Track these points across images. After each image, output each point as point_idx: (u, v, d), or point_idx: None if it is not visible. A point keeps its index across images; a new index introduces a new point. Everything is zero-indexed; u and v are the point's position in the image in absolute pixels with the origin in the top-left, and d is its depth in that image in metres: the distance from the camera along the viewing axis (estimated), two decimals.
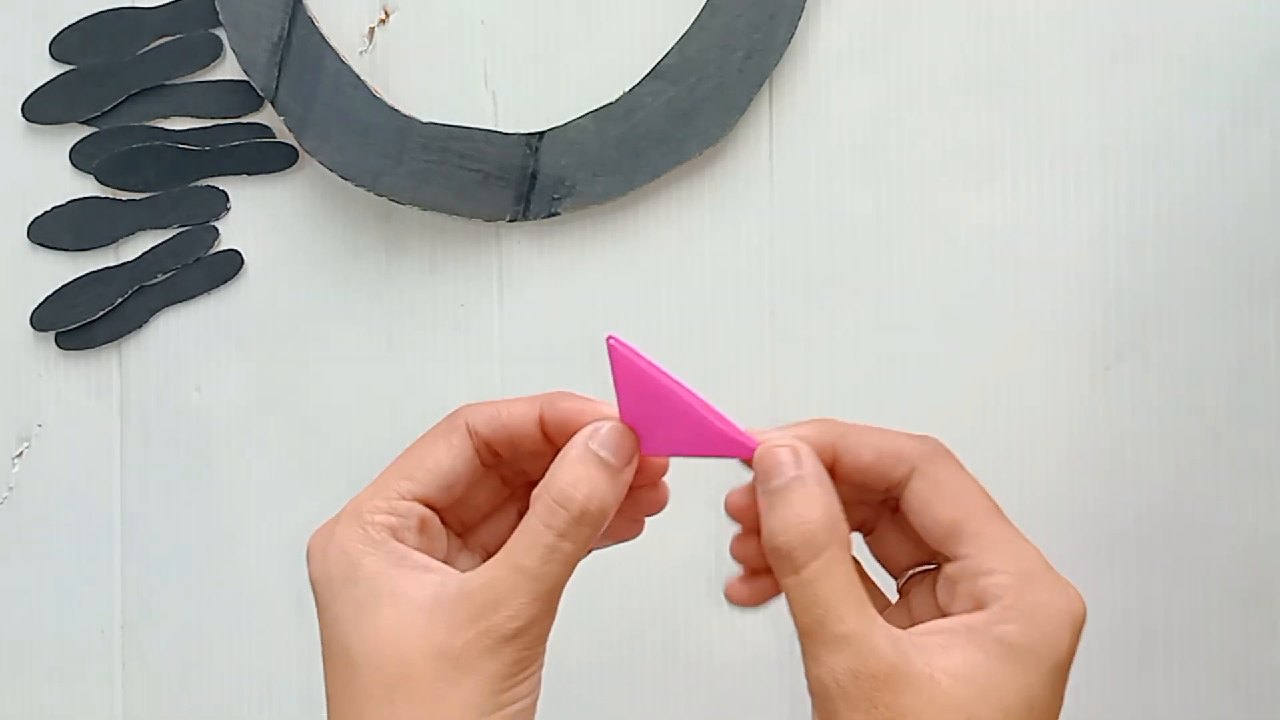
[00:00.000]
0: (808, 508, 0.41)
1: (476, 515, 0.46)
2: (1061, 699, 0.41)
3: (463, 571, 0.42)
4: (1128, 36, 0.62)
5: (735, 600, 0.45)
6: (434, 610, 0.40)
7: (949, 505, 0.42)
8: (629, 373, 0.43)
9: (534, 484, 0.43)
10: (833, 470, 0.42)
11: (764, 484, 0.41)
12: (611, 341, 0.43)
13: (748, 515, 0.43)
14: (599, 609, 0.64)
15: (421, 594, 0.41)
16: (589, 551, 0.42)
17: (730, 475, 0.44)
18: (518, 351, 0.65)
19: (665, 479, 0.45)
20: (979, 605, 0.41)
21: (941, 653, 0.40)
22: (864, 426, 0.43)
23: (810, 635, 0.40)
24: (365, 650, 0.40)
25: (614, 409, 0.43)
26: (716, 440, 0.42)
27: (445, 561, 0.43)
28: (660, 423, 0.43)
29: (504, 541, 0.42)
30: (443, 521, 0.44)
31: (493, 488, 0.46)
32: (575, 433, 0.43)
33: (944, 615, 0.42)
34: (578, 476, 0.41)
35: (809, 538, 0.40)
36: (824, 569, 0.40)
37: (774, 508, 0.41)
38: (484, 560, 0.44)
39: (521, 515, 0.43)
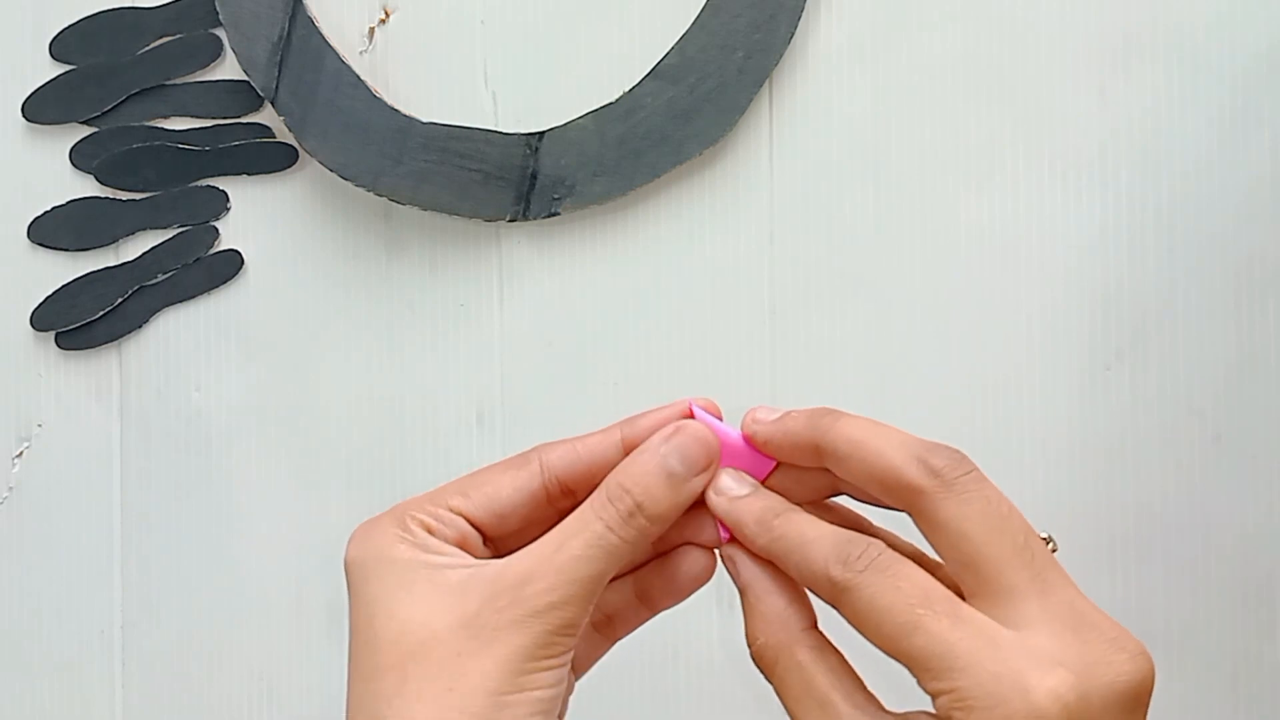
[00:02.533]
0: (750, 625, 0.42)
1: (521, 539, 0.44)
2: None
3: None
4: (1128, 36, 0.62)
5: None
6: (465, 586, 0.40)
7: (948, 560, 0.40)
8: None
9: None
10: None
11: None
12: (693, 407, 0.43)
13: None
14: None
15: (457, 574, 0.40)
16: (633, 562, 0.42)
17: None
18: (518, 351, 0.65)
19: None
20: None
21: None
22: (861, 429, 0.41)
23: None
24: (390, 624, 0.40)
25: (693, 408, 0.42)
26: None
27: None
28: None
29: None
30: (486, 543, 0.43)
31: (549, 519, 0.44)
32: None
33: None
34: (637, 476, 0.41)
35: (760, 654, 0.42)
36: (786, 673, 0.42)
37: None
38: None
39: None
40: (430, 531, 0.41)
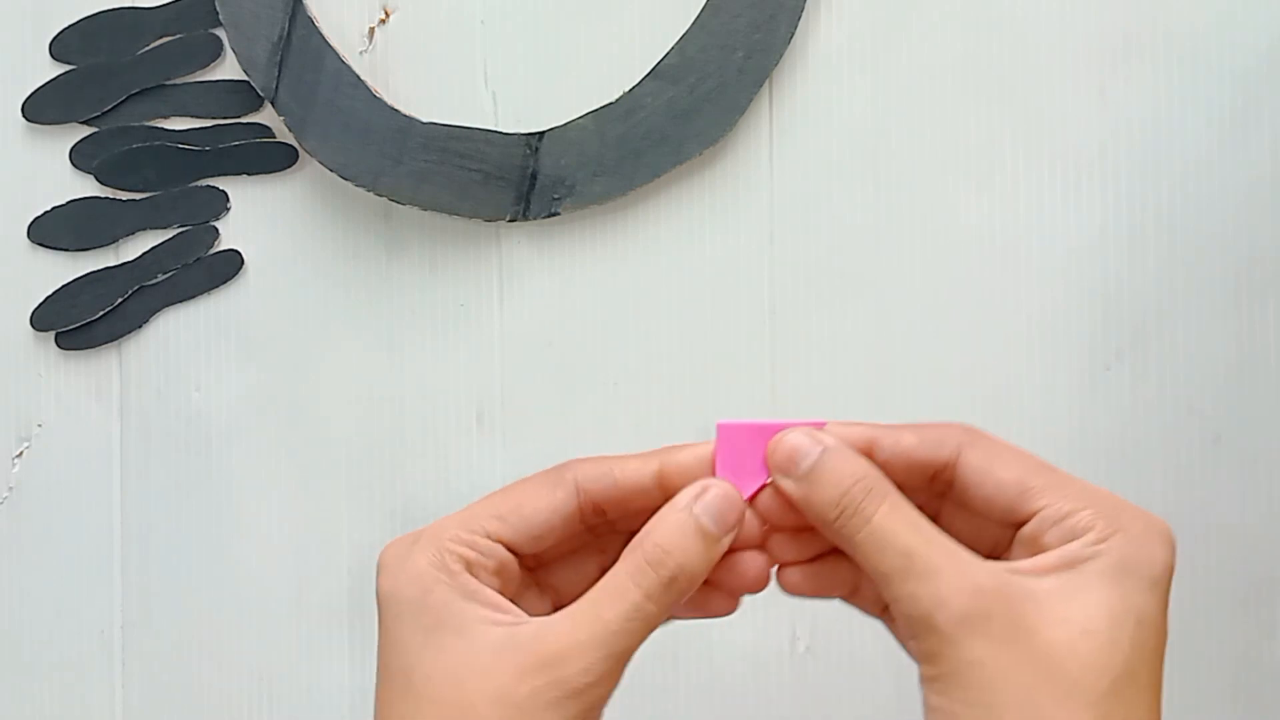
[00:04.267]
0: (854, 464, 0.40)
1: (552, 555, 0.44)
2: (1166, 615, 0.40)
3: (529, 612, 0.41)
4: (1128, 36, 0.62)
5: (794, 590, 0.44)
6: (502, 652, 0.39)
7: (1010, 467, 0.41)
8: (729, 438, 0.42)
9: (619, 533, 0.42)
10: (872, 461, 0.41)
11: (793, 470, 0.41)
12: (720, 425, 0.42)
13: (773, 514, 0.42)
14: None
15: (491, 633, 0.39)
16: (669, 618, 0.41)
17: None
18: (518, 351, 0.65)
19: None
20: (1068, 542, 0.40)
21: (1039, 579, 0.39)
22: (889, 424, 0.42)
23: (900, 575, 0.39)
24: (427, 681, 0.39)
25: (719, 424, 0.42)
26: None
27: (513, 599, 0.42)
28: (748, 465, 0.42)
29: (575, 587, 0.41)
30: (523, 568, 0.43)
31: (586, 554, 0.44)
32: (697, 474, 0.42)
33: None
34: (673, 539, 0.40)
35: (869, 486, 0.40)
36: (894, 509, 0.40)
37: (817, 483, 0.40)
38: (552, 602, 0.43)
39: (600, 564, 0.42)
40: (469, 566, 0.41)
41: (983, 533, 0.43)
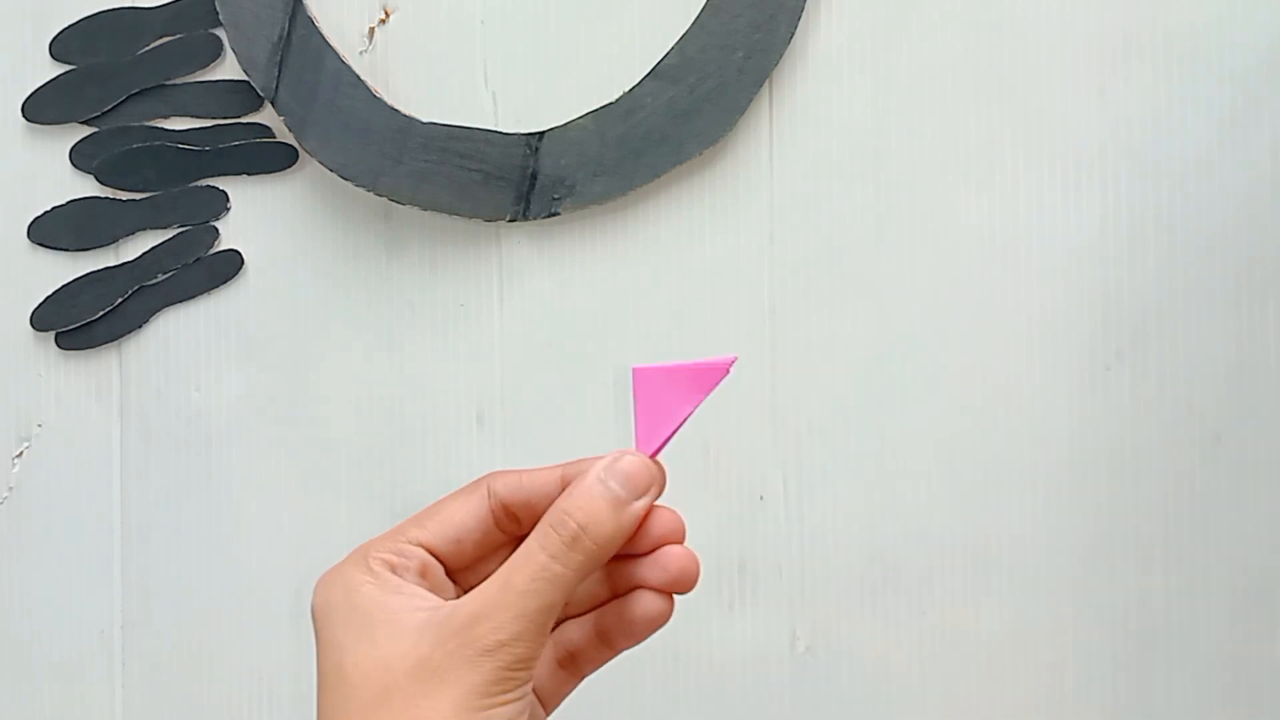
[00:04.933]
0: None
1: (473, 559, 0.45)
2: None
3: None
4: (1128, 37, 0.62)
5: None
6: (423, 629, 0.41)
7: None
8: (645, 381, 0.43)
9: None
10: None
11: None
12: (635, 369, 0.44)
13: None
14: None
15: (414, 618, 0.41)
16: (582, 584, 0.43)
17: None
18: (518, 351, 0.65)
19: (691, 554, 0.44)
20: None
21: None
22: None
23: None
24: (356, 668, 0.41)
25: (635, 369, 0.44)
26: (702, 378, 0.43)
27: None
28: (666, 407, 0.43)
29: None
30: (451, 578, 0.44)
31: (502, 546, 0.45)
32: None
33: None
34: (578, 503, 0.42)
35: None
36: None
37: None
38: None
39: None
40: (393, 568, 0.43)
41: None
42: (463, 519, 0.44)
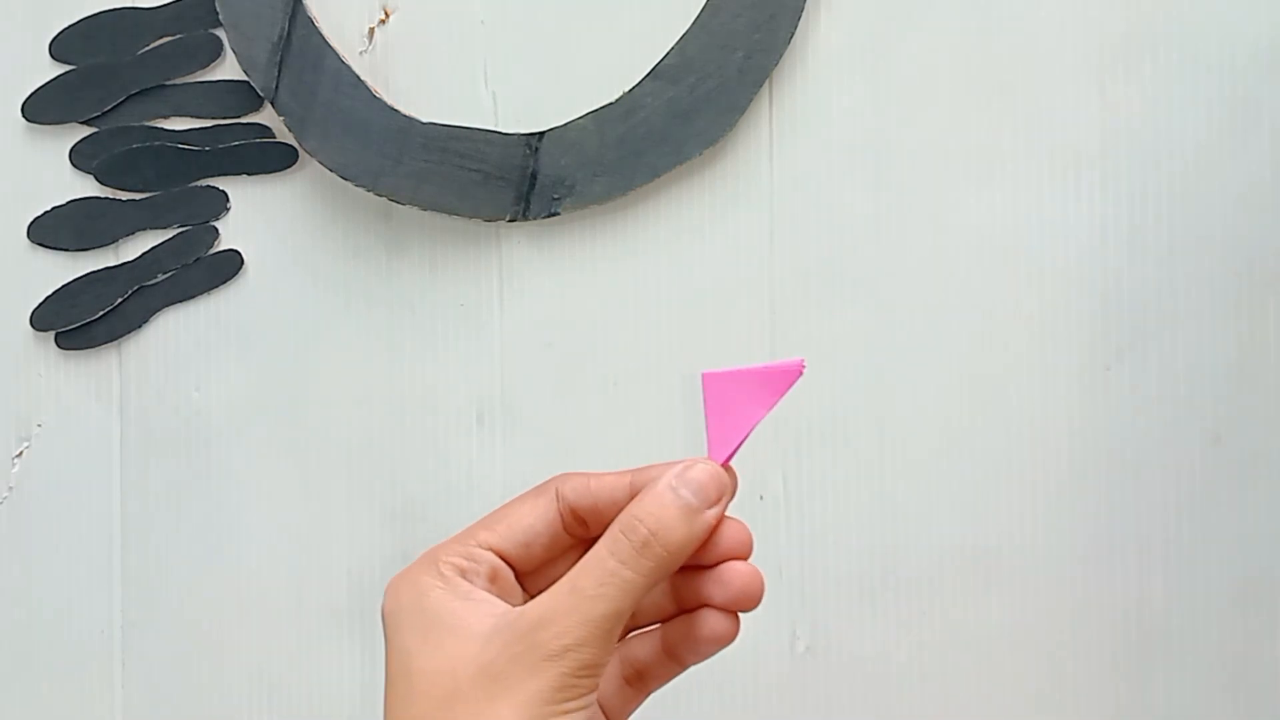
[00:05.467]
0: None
1: (543, 564, 0.45)
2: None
3: None
4: (1128, 36, 0.62)
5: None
6: (491, 636, 0.40)
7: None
8: (715, 387, 0.43)
9: None
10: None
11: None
12: (705, 375, 0.44)
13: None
14: None
15: (483, 623, 0.41)
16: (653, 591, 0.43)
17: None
18: (518, 351, 0.65)
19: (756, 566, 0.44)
20: None
21: None
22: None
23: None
24: (423, 673, 0.41)
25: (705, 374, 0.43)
26: (772, 382, 0.43)
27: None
28: (737, 413, 0.43)
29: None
30: (521, 582, 0.44)
31: (570, 549, 0.45)
32: None
33: None
34: (649, 509, 0.41)
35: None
36: None
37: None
38: None
39: None
40: (463, 573, 0.42)
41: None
42: (531, 522, 0.43)
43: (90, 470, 0.67)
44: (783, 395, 0.43)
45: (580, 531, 0.44)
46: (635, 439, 0.64)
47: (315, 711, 0.66)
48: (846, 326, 0.64)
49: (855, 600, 0.63)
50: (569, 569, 0.43)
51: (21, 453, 0.68)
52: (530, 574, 0.44)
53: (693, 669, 0.66)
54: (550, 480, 0.45)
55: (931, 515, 0.63)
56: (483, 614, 0.41)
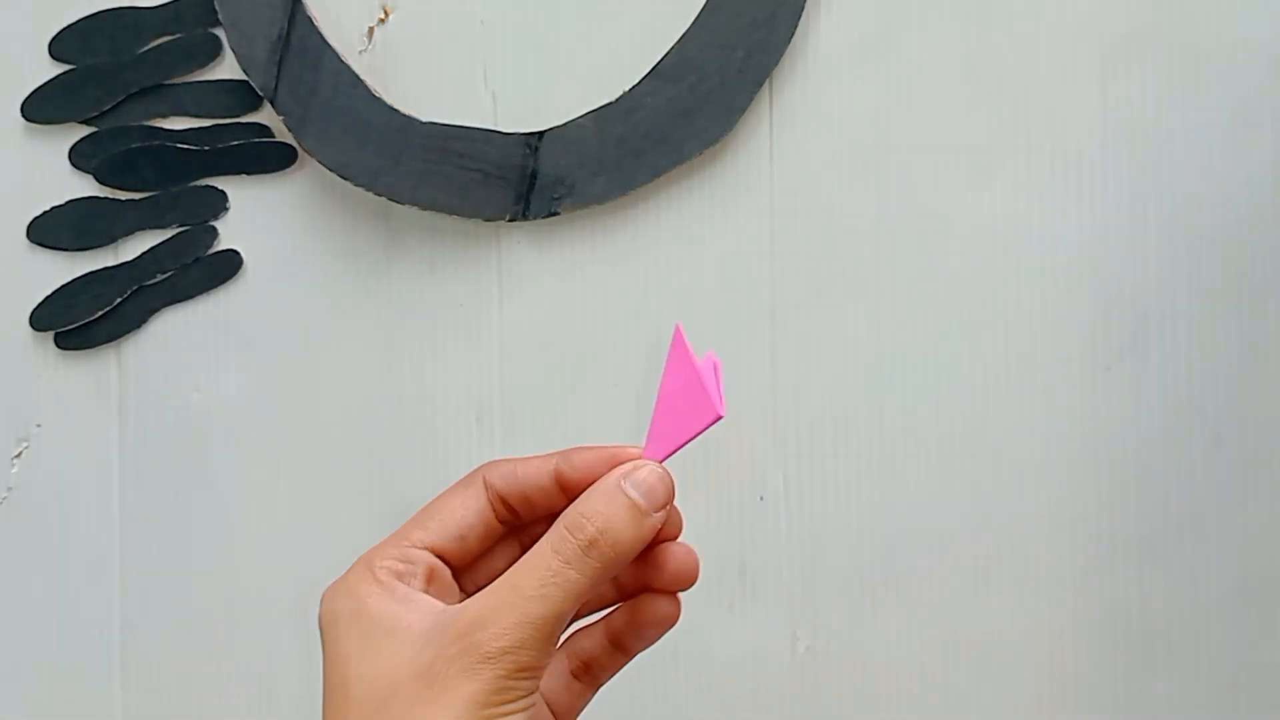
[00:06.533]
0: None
1: (477, 556, 0.45)
2: None
3: None
4: (1128, 36, 0.62)
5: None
6: (429, 636, 0.40)
7: None
8: (680, 363, 0.43)
9: (539, 534, 0.42)
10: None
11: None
12: (679, 327, 0.43)
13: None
14: None
15: (420, 624, 0.40)
16: (596, 599, 0.43)
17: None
18: (518, 351, 0.65)
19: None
20: None
21: None
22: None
23: None
24: (360, 680, 0.40)
25: (635, 451, 0.43)
26: (702, 410, 0.43)
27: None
28: (684, 413, 0.43)
29: None
30: (458, 579, 0.44)
31: (512, 554, 0.45)
32: (595, 482, 0.42)
33: None
34: (596, 508, 0.41)
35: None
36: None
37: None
38: None
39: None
40: (399, 576, 0.42)
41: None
42: (464, 515, 0.43)
43: (90, 470, 0.67)
44: (700, 431, 0.43)
45: (512, 520, 0.44)
46: (635, 439, 0.64)
47: (314, 712, 0.66)
48: (846, 326, 0.63)
49: (855, 600, 0.63)
50: (505, 563, 0.43)
51: (21, 453, 0.68)
52: (467, 569, 0.44)
53: (692, 669, 0.66)
54: (477, 470, 0.44)
55: (932, 515, 0.63)
56: (420, 614, 0.40)
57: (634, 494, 0.41)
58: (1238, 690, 0.62)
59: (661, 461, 0.43)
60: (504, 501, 0.43)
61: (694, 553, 0.44)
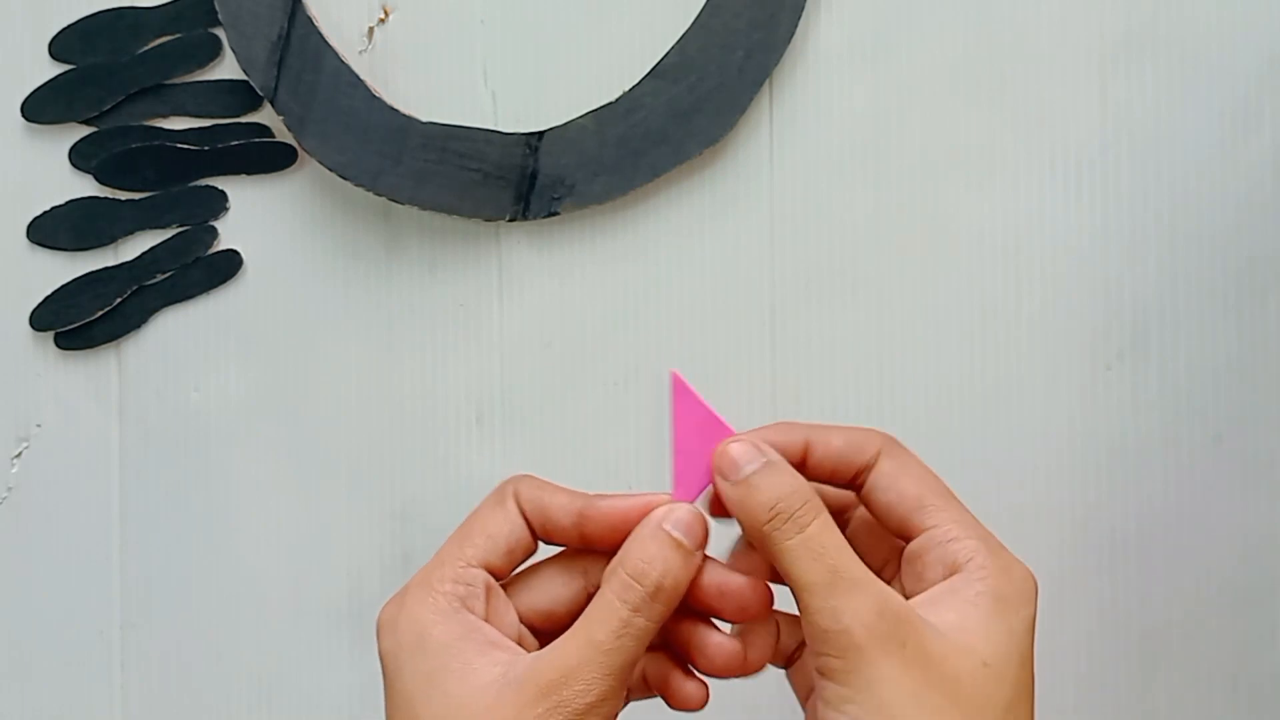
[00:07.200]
0: (793, 477, 0.42)
1: (529, 575, 0.46)
2: (1033, 654, 0.42)
3: (500, 627, 0.43)
4: (1128, 36, 0.62)
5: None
6: (502, 688, 0.40)
7: (914, 483, 0.44)
8: (687, 404, 0.44)
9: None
10: (801, 467, 0.43)
11: (734, 476, 0.42)
12: (676, 375, 0.44)
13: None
14: None
15: (490, 671, 0.40)
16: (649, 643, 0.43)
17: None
18: (518, 351, 0.65)
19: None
20: (952, 569, 0.42)
21: (934, 609, 0.41)
22: (822, 425, 0.45)
23: (825, 587, 0.40)
24: None
25: (664, 497, 0.44)
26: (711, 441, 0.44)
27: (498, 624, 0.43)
28: (699, 449, 0.44)
29: (547, 613, 0.43)
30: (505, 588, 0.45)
31: (532, 543, 0.46)
32: (617, 529, 0.43)
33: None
34: (652, 554, 0.42)
35: (805, 498, 0.41)
36: (826, 525, 0.41)
37: (757, 487, 0.42)
38: (531, 630, 0.44)
39: (558, 573, 0.44)
40: (463, 602, 0.42)
41: (874, 551, 0.45)
42: (508, 531, 0.44)
43: (90, 470, 0.67)
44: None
45: (537, 533, 0.45)
46: (635, 439, 0.64)
47: (315, 712, 0.66)
48: (846, 326, 0.64)
49: None
50: (532, 573, 0.44)
51: (21, 453, 0.68)
52: (509, 577, 0.45)
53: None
54: (506, 484, 0.45)
55: None
56: (491, 659, 0.41)
57: (677, 534, 0.42)
58: (1237, 690, 0.62)
59: (693, 501, 0.44)
60: (525, 517, 0.44)
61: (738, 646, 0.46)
